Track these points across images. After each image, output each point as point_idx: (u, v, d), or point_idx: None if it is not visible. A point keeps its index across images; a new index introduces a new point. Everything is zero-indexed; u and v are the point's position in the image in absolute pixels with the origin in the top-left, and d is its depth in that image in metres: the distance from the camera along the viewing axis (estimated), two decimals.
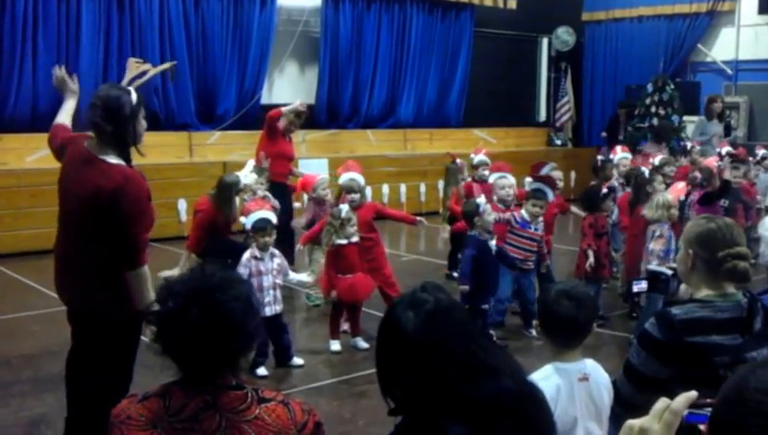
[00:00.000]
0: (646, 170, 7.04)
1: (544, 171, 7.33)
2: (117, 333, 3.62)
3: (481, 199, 6.14)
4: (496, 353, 1.84)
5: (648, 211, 6.14)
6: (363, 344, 6.05)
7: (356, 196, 6.52)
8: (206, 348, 1.86)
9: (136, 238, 3.54)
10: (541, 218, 6.50)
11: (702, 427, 1.16)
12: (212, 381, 1.88)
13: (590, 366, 2.75)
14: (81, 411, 3.80)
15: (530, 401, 1.81)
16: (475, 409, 1.74)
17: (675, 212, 6.09)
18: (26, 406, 4.89)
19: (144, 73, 4.96)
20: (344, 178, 6.71)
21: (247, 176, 6.63)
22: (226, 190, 6.36)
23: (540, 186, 6.64)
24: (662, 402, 1.20)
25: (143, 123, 3.67)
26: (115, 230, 3.49)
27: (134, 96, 3.60)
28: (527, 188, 6.85)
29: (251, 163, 6.99)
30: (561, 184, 7.36)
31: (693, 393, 1.19)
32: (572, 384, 2.65)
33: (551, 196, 6.68)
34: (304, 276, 5.84)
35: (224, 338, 1.87)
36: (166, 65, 4.83)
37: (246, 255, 5.52)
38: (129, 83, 4.71)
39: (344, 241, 5.90)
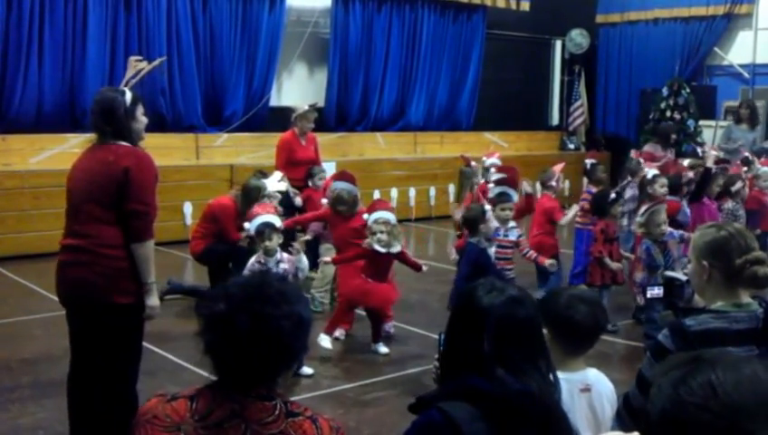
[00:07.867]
0: (650, 172, 7.00)
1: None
2: (121, 321, 3.69)
3: (488, 206, 6.00)
4: (532, 360, 1.99)
5: None
6: (384, 349, 5.98)
7: (343, 207, 6.39)
8: (246, 358, 1.82)
9: (147, 211, 3.69)
10: (512, 223, 6.37)
11: None
12: (243, 391, 1.83)
13: (593, 376, 2.65)
14: (91, 420, 3.80)
15: (553, 413, 1.91)
16: (492, 403, 1.83)
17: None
18: (27, 411, 4.80)
19: (140, 72, 5.07)
20: (335, 185, 6.58)
21: (274, 184, 6.67)
22: (252, 192, 6.48)
23: (503, 188, 6.53)
24: None
25: (142, 120, 3.85)
26: (126, 202, 3.64)
27: (128, 96, 3.79)
28: (491, 194, 6.63)
29: (277, 174, 7.04)
30: (555, 185, 7.23)
31: None
32: (573, 396, 2.54)
33: (515, 197, 6.55)
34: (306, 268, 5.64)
35: (265, 352, 1.82)
36: (156, 62, 5.13)
37: (252, 259, 5.49)
38: (127, 83, 4.92)
39: (383, 249, 5.77)
